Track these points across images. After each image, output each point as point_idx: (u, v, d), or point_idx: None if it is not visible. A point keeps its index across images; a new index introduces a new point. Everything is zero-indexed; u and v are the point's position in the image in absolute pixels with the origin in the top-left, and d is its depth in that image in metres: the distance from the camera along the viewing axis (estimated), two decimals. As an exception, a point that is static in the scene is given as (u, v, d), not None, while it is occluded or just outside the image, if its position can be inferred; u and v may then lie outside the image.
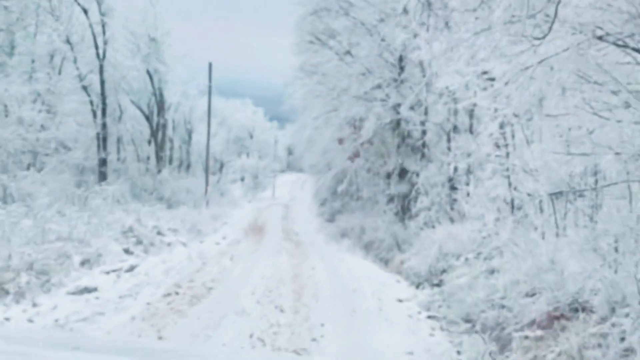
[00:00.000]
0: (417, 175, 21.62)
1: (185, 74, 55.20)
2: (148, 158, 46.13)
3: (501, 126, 13.67)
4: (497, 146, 14.02)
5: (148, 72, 44.51)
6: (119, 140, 41.82)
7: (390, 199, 24.47)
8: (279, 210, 42.62)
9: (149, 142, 47.11)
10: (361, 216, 32.06)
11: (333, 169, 36.98)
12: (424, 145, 21.74)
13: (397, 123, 24.52)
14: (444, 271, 14.67)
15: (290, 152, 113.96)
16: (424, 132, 21.39)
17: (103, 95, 35.43)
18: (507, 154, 13.64)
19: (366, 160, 27.70)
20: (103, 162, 35.14)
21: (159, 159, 46.18)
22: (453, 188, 18.50)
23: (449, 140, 20.22)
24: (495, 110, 13.68)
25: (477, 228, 14.98)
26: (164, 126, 48.97)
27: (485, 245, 14.16)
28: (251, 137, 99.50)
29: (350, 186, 29.12)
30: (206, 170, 39.90)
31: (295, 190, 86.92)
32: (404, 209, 23.31)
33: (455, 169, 15.87)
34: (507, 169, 13.63)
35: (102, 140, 35.50)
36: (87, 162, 38.16)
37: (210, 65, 41.74)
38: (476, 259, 14.08)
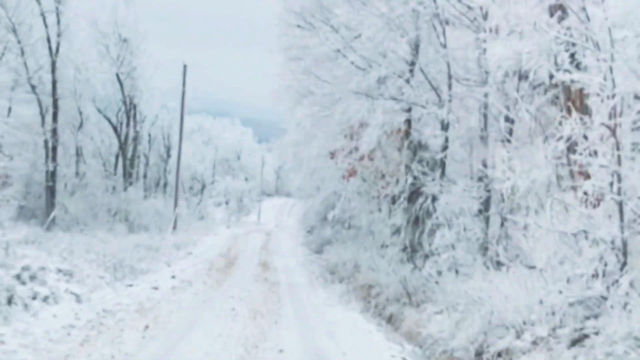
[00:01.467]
0: (435, 199, 15.72)
1: (166, 84, 49.61)
2: (115, 174, 40.15)
3: (610, 117, 7.87)
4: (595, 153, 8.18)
5: (118, 78, 38.67)
6: (78, 151, 35.86)
7: (396, 231, 18.54)
8: (259, 237, 36.51)
9: (117, 157, 41.13)
10: (354, 249, 26.44)
11: (323, 191, 31.08)
12: (444, 159, 15.89)
13: (408, 129, 18.72)
14: (499, 356, 8.72)
15: (278, 175, 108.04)
16: (446, 141, 15.54)
17: (54, 97, 29.47)
18: (619, 162, 7.81)
19: (364, 181, 21.82)
20: (52, 175, 29.12)
21: (127, 175, 40.12)
22: (504, 220, 12.57)
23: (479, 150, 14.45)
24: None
25: (550, 283, 9.04)
26: (136, 139, 42.99)
27: (574, 317, 8.25)
28: (238, 158, 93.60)
29: (343, 213, 23.20)
30: (176, 189, 33.84)
31: (281, 216, 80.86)
32: (414, 245, 17.37)
33: (513, 189, 9.96)
34: (619, 192, 7.79)
35: (52, 150, 29.45)
36: (37, 174, 32.15)
37: (184, 67, 35.92)
38: (557, 340, 8.17)
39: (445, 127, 15.56)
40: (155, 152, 52.54)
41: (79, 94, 35.44)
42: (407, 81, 16.47)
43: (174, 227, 32.09)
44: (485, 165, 13.73)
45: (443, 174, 16.00)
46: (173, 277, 16.59)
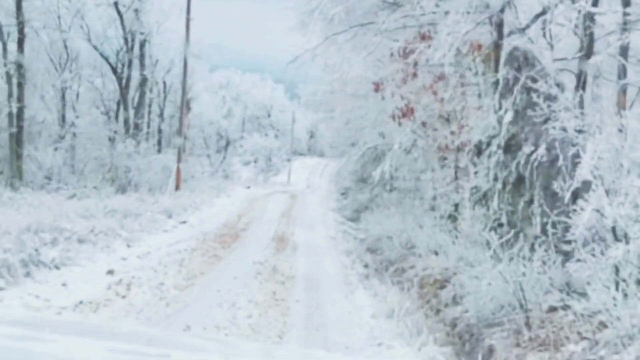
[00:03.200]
0: (566, 145, 8.64)
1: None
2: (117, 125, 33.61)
3: None
4: None
5: (116, 7, 31.84)
6: (63, 93, 29.30)
7: (481, 198, 11.40)
8: (282, 200, 29.63)
9: (118, 104, 34.51)
10: (399, 217, 19.93)
11: (360, 145, 24.09)
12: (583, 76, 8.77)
13: (498, 41, 11.63)
14: None
15: (311, 134, 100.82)
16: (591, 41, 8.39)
17: (19, 18, 22.59)
18: None
19: (424, 127, 14.68)
20: (17, 119, 22.46)
21: (129, 126, 33.52)
22: None
23: None
24: None
25: None
26: (143, 85, 36.25)
27: None
28: (269, 115, 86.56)
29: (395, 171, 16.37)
30: (180, 139, 27.02)
31: (313, 176, 73.96)
32: (514, 222, 10.33)
33: None
34: None
35: (18, 87, 22.72)
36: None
37: (190, -10, 28.77)
38: None
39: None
40: (171, 104, 46.11)
41: (68, 25, 28.84)
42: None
43: (177, 187, 25.48)
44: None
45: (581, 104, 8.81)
46: (110, 272, 9.82)
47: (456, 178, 15.03)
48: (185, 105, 27.36)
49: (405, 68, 13.63)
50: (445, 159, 14.64)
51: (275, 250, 14.74)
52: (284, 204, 27.68)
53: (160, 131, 41.90)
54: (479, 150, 11.22)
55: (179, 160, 26.08)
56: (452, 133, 13.46)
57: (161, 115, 42.24)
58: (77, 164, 27.55)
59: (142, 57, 35.91)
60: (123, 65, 33.49)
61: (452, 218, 16.88)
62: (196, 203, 22.73)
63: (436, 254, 13.88)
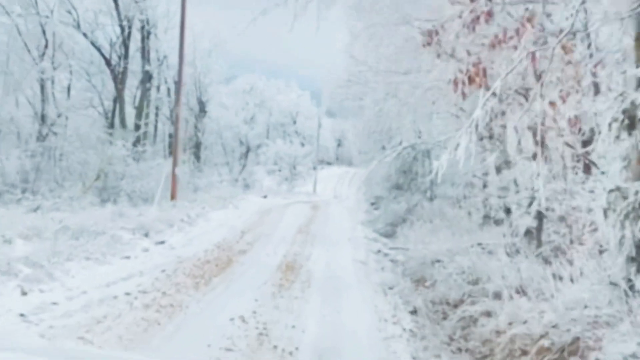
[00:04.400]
0: None
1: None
2: (112, 126, 28.97)
3: None
4: None
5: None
6: (42, 85, 24.56)
7: (633, 206, 6.20)
8: (302, 212, 24.54)
9: (115, 102, 29.88)
10: (446, 233, 15.43)
11: (396, 140, 19.03)
12: None
13: None
14: None
15: (339, 143, 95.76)
16: None
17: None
18: None
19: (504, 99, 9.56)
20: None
21: (124, 127, 28.84)
22: None
23: None
24: None
25: None
26: (146, 82, 31.62)
27: None
28: (294, 122, 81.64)
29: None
30: (175, 140, 22.08)
31: (341, 186, 68.81)
32: None
33: None
34: None
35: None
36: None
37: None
38: None
39: None
40: (185, 107, 41.57)
41: (50, 9, 24.29)
42: None
43: (173, 197, 20.63)
44: None
45: None
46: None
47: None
48: (179, 96, 22.52)
49: (476, 8, 8.49)
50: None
51: (276, 289, 9.69)
52: (304, 217, 22.61)
53: (171, 136, 37.36)
54: (631, 122, 6.05)
55: (174, 164, 21.20)
56: (552, 105, 8.32)
57: (171, 118, 37.72)
58: (62, 170, 22.90)
59: (144, 50, 31.36)
60: (120, 57, 28.94)
61: (530, 235, 11.90)
62: (190, 217, 17.83)
63: (524, 293, 8.92)
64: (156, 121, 34.77)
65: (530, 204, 10.61)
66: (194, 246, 13.51)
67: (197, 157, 42.72)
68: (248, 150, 52.92)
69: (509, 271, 9.72)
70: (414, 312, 9.35)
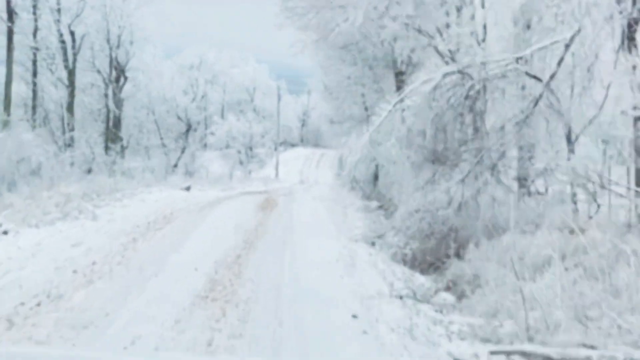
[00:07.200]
0: None
1: None
2: None
3: None
4: None
5: None
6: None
7: None
8: (236, 217, 13.46)
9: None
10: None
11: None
12: None
13: None
14: None
15: (303, 122, 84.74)
16: None
17: None
18: None
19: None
20: None
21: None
22: None
23: None
24: None
25: None
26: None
27: None
28: (251, 100, 70.56)
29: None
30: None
31: (308, 169, 58.50)
32: None
33: None
34: None
35: None
36: None
37: None
38: None
39: None
40: (94, 71, 31.23)
41: None
42: None
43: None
44: None
45: None
46: None
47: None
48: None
49: None
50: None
51: None
52: (236, 230, 11.76)
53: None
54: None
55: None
56: None
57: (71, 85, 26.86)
58: None
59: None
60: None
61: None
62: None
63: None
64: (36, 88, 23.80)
65: None
66: None
67: (117, 136, 31.74)
68: (189, 128, 41.77)
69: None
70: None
